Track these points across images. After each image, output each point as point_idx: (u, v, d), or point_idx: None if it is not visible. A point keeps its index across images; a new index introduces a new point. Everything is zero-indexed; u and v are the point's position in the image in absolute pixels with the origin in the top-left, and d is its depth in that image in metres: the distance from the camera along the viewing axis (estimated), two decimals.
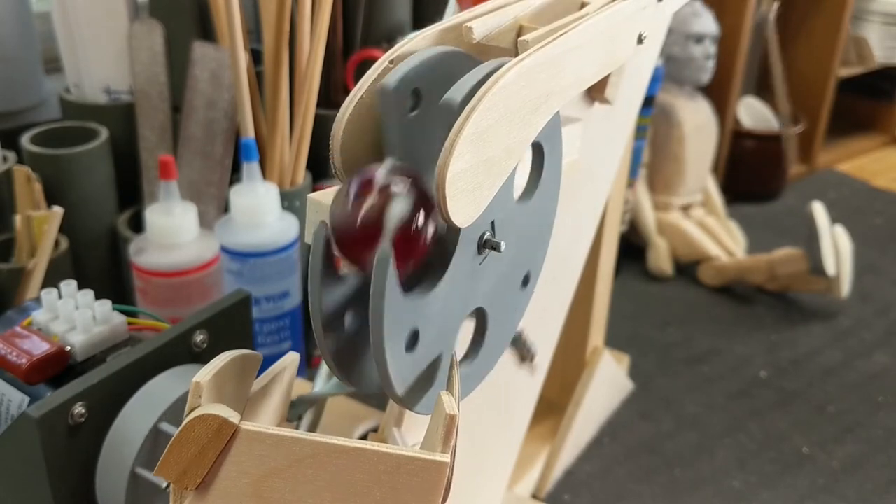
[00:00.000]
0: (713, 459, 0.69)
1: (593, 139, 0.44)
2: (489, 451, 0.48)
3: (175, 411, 0.39)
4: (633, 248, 1.00)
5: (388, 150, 0.29)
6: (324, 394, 0.42)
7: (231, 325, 0.46)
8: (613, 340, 0.77)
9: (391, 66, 0.29)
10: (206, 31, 0.70)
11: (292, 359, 0.33)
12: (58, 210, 0.59)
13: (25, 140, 0.65)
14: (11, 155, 0.66)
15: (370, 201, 0.25)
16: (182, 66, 0.68)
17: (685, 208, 1.04)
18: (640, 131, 0.87)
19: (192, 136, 0.68)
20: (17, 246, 0.61)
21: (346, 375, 0.28)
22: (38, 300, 0.46)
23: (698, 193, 1.04)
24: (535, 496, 0.64)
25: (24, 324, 0.43)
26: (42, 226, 0.59)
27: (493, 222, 0.31)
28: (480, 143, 0.26)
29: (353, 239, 0.26)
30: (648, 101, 0.89)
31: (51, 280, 0.57)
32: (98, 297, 0.44)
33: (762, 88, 1.35)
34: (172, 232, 0.61)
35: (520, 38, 0.30)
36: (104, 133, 0.67)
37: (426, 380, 0.30)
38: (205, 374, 0.26)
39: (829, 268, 0.87)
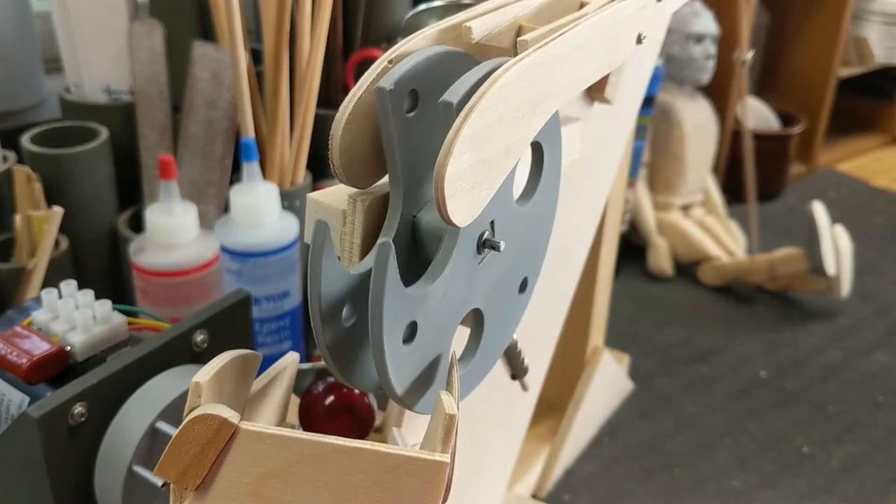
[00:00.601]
0: (713, 459, 0.69)
1: (593, 139, 0.44)
2: (489, 451, 0.48)
3: (174, 410, 0.39)
4: (633, 248, 1.01)
5: (387, 150, 0.29)
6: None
7: (231, 325, 0.46)
8: (613, 340, 0.77)
9: (390, 65, 0.29)
10: (206, 30, 0.70)
11: (292, 359, 0.33)
12: (58, 210, 0.59)
13: (25, 140, 0.65)
14: (11, 155, 0.66)
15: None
16: (182, 65, 0.68)
17: (685, 208, 1.04)
18: (640, 131, 0.87)
19: (193, 135, 0.68)
20: (17, 246, 0.61)
21: (342, 370, 0.28)
22: (38, 300, 0.46)
23: (698, 193, 1.04)
24: (535, 496, 0.64)
25: (25, 324, 0.43)
26: (42, 225, 0.59)
27: (492, 222, 0.31)
28: (479, 143, 0.26)
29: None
30: (648, 101, 0.89)
31: (51, 280, 0.57)
32: (98, 296, 0.44)
33: (762, 88, 1.35)
34: (172, 232, 0.61)
35: (519, 38, 0.30)
36: (104, 133, 0.67)
37: (425, 379, 0.30)
38: (205, 373, 0.26)
39: (830, 267, 0.87)
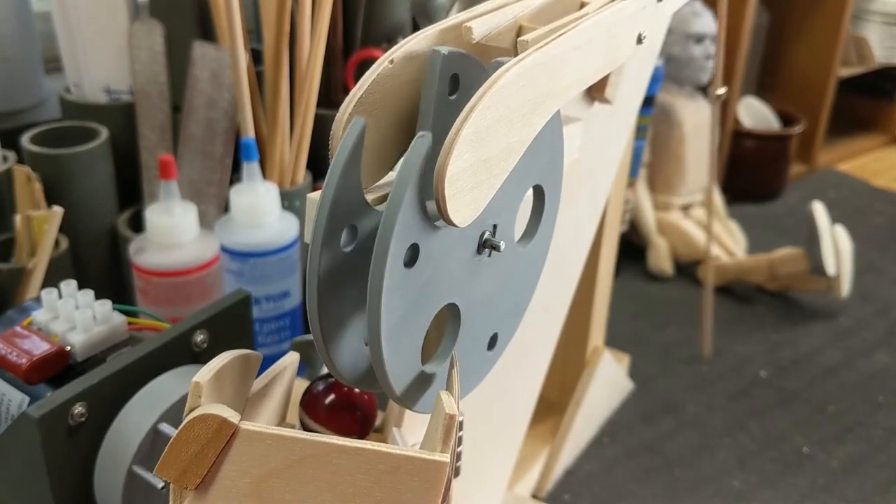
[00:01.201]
0: (713, 459, 0.69)
1: (593, 139, 0.44)
2: (489, 451, 0.48)
3: (175, 412, 0.39)
4: (633, 248, 1.01)
5: (421, 121, 0.29)
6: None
7: (231, 325, 0.46)
8: (613, 340, 0.77)
9: (391, 65, 0.29)
10: (206, 30, 0.69)
11: (292, 359, 0.33)
12: (58, 210, 0.59)
13: (25, 140, 0.65)
14: (11, 155, 0.66)
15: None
16: (182, 65, 0.68)
17: (685, 208, 1.04)
18: (640, 131, 0.87)
19: (193, 135, 0.68)
20: (18, 246, 0.61)
21: (324, 321, 0.28)
22: (38, 300, 0.46)
23: (698, 193, 1.04)
24: (535, 496, 0.64)
25: (25, 324, 0.43)
26: (42, 225, 0.59)
27: (494, 226, 0.31)
28: (480, 143, 0.26)
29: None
30: (648, 101, 0.89)
31: (51, 280, 0.57)
32: (98, 296, 0.44)
33: (762, 88, 1.35)
34: (172, 232, 0.61)
35: (519, 38, 0.30)
36: (104, 133, 0.67)
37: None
38: (205, 373, 0.26)
39: (830, 267, 0.87)
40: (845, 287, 0.89)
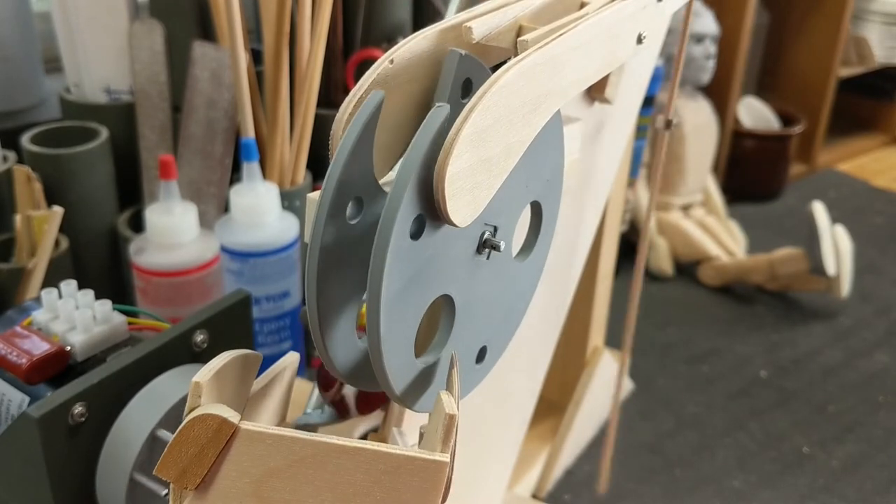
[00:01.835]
0: (713, 459, 0.69)
1: (593, 139, 0.44)
2: (489, 451, 0.48)
3: (175, 414, 0.39)
4: (633, 248, 1.00)
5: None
6: (317, 423, 0.41)
7: (231, 325, 0.46)
8: (613, 340, 0.77)
9: (391, 65, 0.29)
10: (206, 30, 0.69)
11: (292, 359, 0.33)
12: (58, 210, 0.59)
13: (25, 140, 0.65)
14: (11, 155, 0.66)
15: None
16: (182, 65, 0.68)
17: (685, 208, 1.04)
18: (640, 131, 0.87)
19: (193, 135, 0.68)
20: (18, 246, 0.61)
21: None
22: (38, 300, 0.46)
23: (698, 193, 1.04)
24: (535, 496, 0.64)
25: (25, 323, 0.43)
26: (42, 225, 0.59)
27: (495, 227, 0.31)
28: (480, 143, 0.26)
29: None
30: (648, 101, 0.89)
31: (51, 280, 0.57)
32: (98, 296, 0.44)
33: (762, 88, 1.35)
34: (172, 232, 0.61)
35: (519, 38, 0.30)
36: (104, 133, 0.67)
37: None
38: (205, 373, 0.26)
39: (830, 267, 0.87)
40: (845, 287, 0.89)
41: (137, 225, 0.69)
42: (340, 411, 0.40)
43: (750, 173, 1.21)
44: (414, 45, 0.29)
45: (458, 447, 0.27)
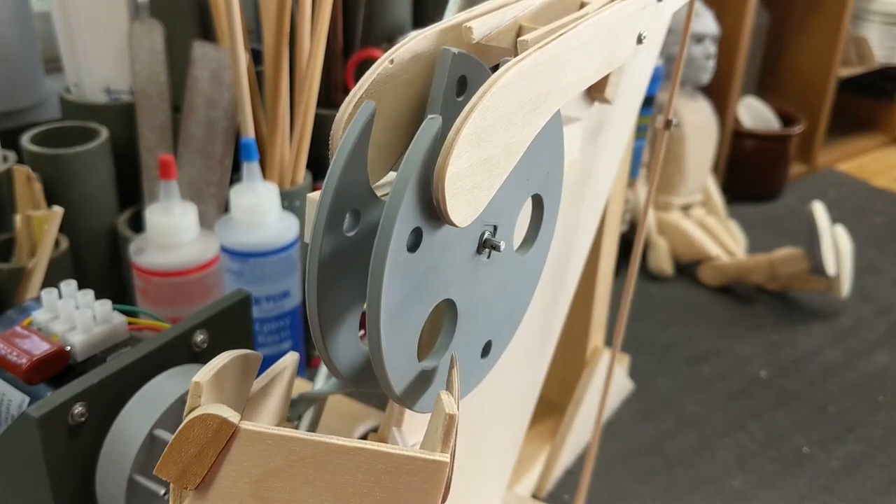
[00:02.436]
0: (713, 459, 0.69)
1: (593, 139, 0.44)
2: (489, 451, 0.48)
3: (174, 413, 0.39)
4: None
5: (429, 109, 0.30)
6: (324, 392, 0.42)
7: (231, 325, 0.46)
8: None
9: (391, 65, 0.29)
10: (206, 30, 0.70)
11: (292, 359, 0.33)
12: (58, 210, 0.59)
13: (25, 140, 0.65)
14: (11, 155, 0.66)
15: None
16: (182, 65, 0.68)
17: (685, 208, 1.04)
18: (640, 131, 0.87)
19: (193, 135, 0.68)
20: (18, 246, 0.61)
21: (322, 305, 0.28)
22: (38, 300, 0.46)
23: (698, 193, 1.04)
24: (535, 496, 0.64)
25: (25, 323, 0.43)
26: (42, 225, 0.59)
27: (495, 227, 0.31)
28: (480, 143, 0.26)
29: None
30: (648, 101, 0.89)
31: (51, 280, 0.57)
32: (98, 296, 0.44)
33: (762, 88, 1.35)
34: (172, 232, 0.61)
35: (519, 38, 0.30)
36: (104, 133, 0.67)
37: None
38: (205, 373, 0.26)
39: (830, 267, 0.87)
40: (845, 287, 0.89)
41: (137, 225, 0.69)
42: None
43: (750, 173, 1.21)
44: (414, 45, 0.29)
45: (457, 447, 0.27)
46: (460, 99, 0.30)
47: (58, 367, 0.41)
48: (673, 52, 0.97)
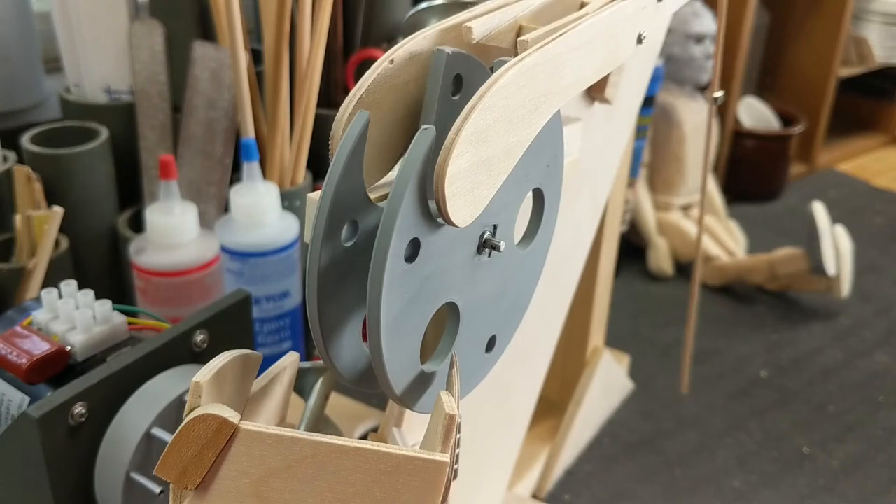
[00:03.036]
0: (713, 459, 0.69)
1: (593, 139, 0.44)
2: (489, 451, 0.48)
3: (173, 412, 0.39)
4: (633, 248, 1.00)
5: (424, 120, 0.30)
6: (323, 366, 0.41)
7: (231, 325, 0.46)
8: (613, 340, 0.77)
9: (391, 65, 0.29)
10: (206, 30, 0.69)
11: (292, 359, 0.33)
12: (58, 210, 0.59)
13: (25, 140, 0.65)
14: (11, 155, 0.66)
15: None
16: (182, 65, 0.68)
17: (685, 208, 1.04)
18: (640, 131, 0.87)
19: (193, 135, 0.68)
20: (18, 245, 0.61)
21: (324, 318, 0.28)
22: (38, 300, 0.46)
23: (698, 193, 1.04)
24: (535, 496, 0.64)
25: (25, 323, 0.43)
26: (42, 225, 0.59)
27: (494, 226, 0.31)
28: (480, 143, 0.26)
29: None
30: (648, 101, 0.89)
31: (51, 280, 0.57)
32: (98, 296, 0.44)
33: (762, 88, 1.35)
34: (172, 232, 0.61)
35: (519, 38, 0.30)
36: (104, 133, 0.67)
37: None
38: (205, 373, 0.26)
39: (830, 267, 0.87)
40: (845, 287, 0.89)
41: (137, 225, 0.69)
42: None
43: (750, 173, 1.21)
44: (414, 45, 0.29)
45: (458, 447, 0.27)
46: (456, 98, 0.30)
47: (58, 367, 0.41)
48: (673, 52, 0.97)
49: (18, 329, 0.42)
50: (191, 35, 0.68)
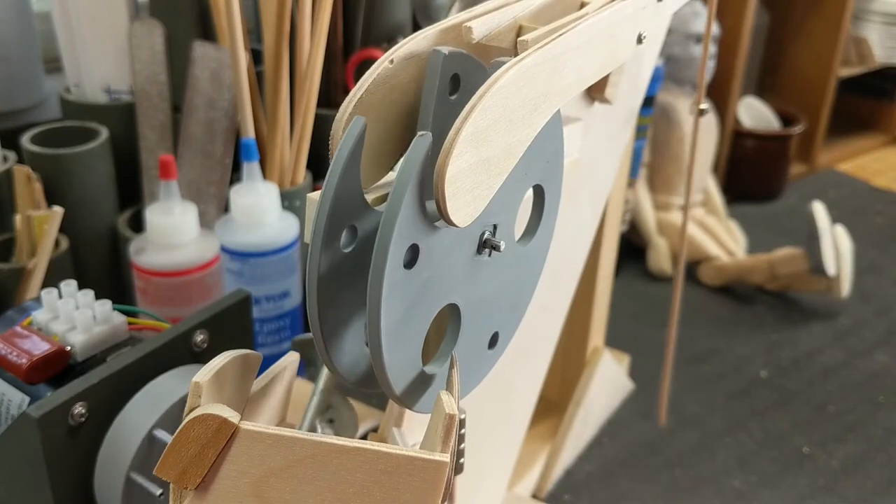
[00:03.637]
0: (713, 459, 0.69)
1: (593, 139, 0.44)
2: (489, 451, 0.48)
3: (173, 414, 0.39)
4: (633, 248, 1.00)
5: (421, 121, 0.29)
6: None
7: (231, 325, 0.46)
8: (613, 340, 0.77)
9: (391, 65, 0.29)
10: (206, 30, 0.69)
11: (292, 359, 0.33)
12: (58, 210, 0.59)
13: (25, 140, 0.65)
14: (11, 155, 0.66)
15: None
16: (182, 65, 0.68)
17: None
18: (640, 131, 0.87)
19: (193, 135, 0.68)
20: (18, 245, 0.61)
21: (325, 322, 0.28)
22: (38, 300, 0.46)
23: (699, 193, 1.04)
24: (535, 496, 0.64)
25: (25, 323, 0.43)
26: (42, 225, 0.59)
27: (494, 226, 0.31)
28: (480, 143, 0.26)
29: None
30: (648, 101, 0.89)
31: (51, 280, 0.57)
32: (98, 296, 0.44)
33: (762, 88, 1.35)
34: (172, 232, 0.61)
35: (519, 38, 0.30)
36: (104, 133, 0.67)
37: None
38: (205, 373, 0.26)
39: (830, 267, 0.87)
40: (845, 287, 0.89)
41: (137, 225, 0.69)
42: None
43: (750, 173, 1.21)
44: (414, 45, 0.29)
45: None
46: (453, 97, 0.30)
47: (58, 367, 0.41)
48: (673, 52, 0.97)
49: (18, 329, 0.42)
50: (191, 35, 0.68)
